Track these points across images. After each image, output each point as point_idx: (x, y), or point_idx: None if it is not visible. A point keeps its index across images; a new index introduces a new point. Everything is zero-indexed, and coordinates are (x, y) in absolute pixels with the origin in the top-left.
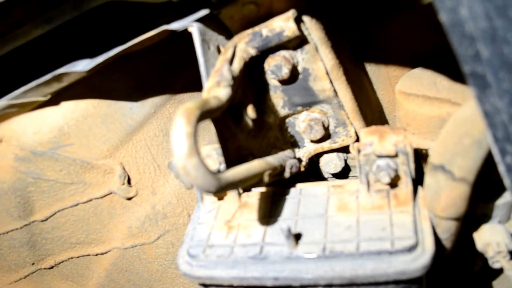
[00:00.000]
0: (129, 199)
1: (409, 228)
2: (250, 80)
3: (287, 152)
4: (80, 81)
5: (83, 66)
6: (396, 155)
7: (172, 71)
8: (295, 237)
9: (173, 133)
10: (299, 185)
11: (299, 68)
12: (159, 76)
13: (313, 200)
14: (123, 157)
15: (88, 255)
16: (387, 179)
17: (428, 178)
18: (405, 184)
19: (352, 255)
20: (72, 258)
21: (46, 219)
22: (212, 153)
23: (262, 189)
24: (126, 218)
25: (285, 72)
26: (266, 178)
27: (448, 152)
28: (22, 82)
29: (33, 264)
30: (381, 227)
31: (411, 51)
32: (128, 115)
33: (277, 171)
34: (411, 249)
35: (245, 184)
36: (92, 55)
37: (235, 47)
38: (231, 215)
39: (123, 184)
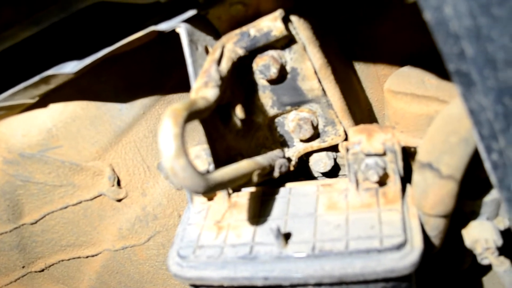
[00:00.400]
0: (119, 200)
1: (397, 226)
2: (238, 80)
3: (276, 152)
4: (68, 82)
5: (71, 67)
6: (384, 154)
7: (161, 71)
8: (285, 237)
9: (160, 134)
10: (289, 185)
11: (288, 68)
12: (148, 77)
13: (303, 199)
14: (113, 159)
15: (78, 257)
16: (375, 178)
17: (416, 176)
18: (394, 182)
19: (341, 254)
20: (62, 260)
21: (36, 222)
22: (201, 153)
23: (252, 189)
24: (116, 220)
25: (273, 71)
26: (255, 178)
27: (436, 150)
28: (10, 84)
29: (23, 267)
30: (370, 225)
31: (399, 50)
32: (117, 117)
33: (267, 171)
34: (400, 247)
35: (234, 184)
36: (80, 56)
37: (223, 48)
38: (221, 215)
39: (113, 185)
